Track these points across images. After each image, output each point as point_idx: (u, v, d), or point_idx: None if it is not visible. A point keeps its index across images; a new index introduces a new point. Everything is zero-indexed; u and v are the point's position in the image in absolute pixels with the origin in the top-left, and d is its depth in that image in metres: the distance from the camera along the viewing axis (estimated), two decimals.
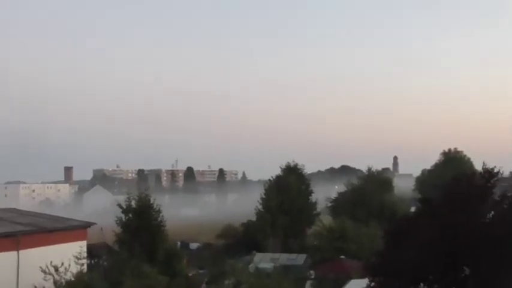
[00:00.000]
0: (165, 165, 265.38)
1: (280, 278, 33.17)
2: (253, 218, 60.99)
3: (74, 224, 38.83)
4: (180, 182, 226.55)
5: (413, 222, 20.34)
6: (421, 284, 18.98)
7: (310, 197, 62.64)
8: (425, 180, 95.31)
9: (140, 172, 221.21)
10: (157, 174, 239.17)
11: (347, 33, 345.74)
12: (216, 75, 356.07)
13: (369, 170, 73.33)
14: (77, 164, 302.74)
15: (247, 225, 62.50)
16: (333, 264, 39.73)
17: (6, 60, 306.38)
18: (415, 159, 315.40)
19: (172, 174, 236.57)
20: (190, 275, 37.49)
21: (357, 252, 42.08)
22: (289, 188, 59.52)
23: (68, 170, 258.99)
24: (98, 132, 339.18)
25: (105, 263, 37.70)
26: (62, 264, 28.23)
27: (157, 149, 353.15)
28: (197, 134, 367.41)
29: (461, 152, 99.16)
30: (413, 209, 33.90)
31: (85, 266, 30.59)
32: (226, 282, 34.53)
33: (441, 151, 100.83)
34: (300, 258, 47.74)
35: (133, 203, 34.73)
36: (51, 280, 27.84)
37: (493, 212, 19.25)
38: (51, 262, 28.12)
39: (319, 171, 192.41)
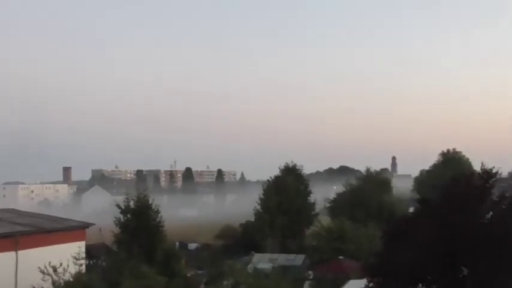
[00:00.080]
0: (163, 166, 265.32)
1: (278, 278, 33.22)
2: (252, 219, 61.02)
3: (72, 225, 38.78)
4: (179, 183, 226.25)
5: (411, 223, 20.36)
6: (420, 285, 19.01)
7: (308, 198, 62.63)
8: (424, 180, 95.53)
9: (139, 173, 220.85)
10: (155, 174, 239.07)
11: (347, 33, 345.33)
12: (216, 75, 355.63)
13: (368, 170, 73.34)
14: (76, 165, 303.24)
15: (246, 226, 62.59)
16: (332, 265, 39.78)
17: (6, 60, 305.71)
18: (414, 159, 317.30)
19: (171, 174, 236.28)
20: (188, 275, 37.56)
21: (356, 253, 42.16)
22: (287, 188, 59.52)
23: (67, 171, 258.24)
24: (97, 133, 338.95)
25: (104, 264, 37.58)
26: (61, 264, 28.13)
27: (156, 150, 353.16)
28: (196, 134, 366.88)
29: (460, 152, 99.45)
30: (411, 210, 33.84)
31: (83, 267, 30.66)
32: (225, 282, 34.59)
33: (440, 151, 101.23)
34: (298, 259, 47.83)
35: (131, 204, 34.80)
36: (50, 280, 27.75)
37: (491, 213, 19.30)
38: (49, 262, 28.00)
39: (317, 172, 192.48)
